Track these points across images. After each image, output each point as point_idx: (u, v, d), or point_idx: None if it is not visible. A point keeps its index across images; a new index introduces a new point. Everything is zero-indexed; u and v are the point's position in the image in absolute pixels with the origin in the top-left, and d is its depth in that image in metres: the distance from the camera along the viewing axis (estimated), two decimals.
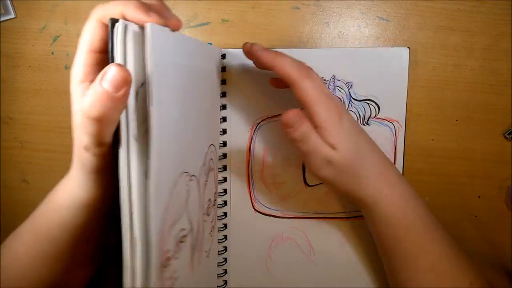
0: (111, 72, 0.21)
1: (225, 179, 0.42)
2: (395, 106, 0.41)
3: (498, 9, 0.41)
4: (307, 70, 0.32)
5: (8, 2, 0.45)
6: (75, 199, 0.28)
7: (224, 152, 0.41)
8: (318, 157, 0.31)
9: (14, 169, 0.48)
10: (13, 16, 0.45)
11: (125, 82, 0.21)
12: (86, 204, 0.28)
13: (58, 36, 0.45)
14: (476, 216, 0.43)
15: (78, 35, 0.46)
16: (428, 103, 0.42)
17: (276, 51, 0.33)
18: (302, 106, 0.32)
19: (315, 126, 0.31)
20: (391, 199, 0.33)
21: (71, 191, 0.28)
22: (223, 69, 0.41)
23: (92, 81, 0.23)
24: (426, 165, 0.43)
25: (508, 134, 0.42)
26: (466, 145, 0.43)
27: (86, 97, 0.22)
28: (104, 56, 0.25)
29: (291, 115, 0.30)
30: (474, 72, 0.42)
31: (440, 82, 0.42)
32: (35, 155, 0.47)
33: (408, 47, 0.41)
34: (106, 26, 0.25)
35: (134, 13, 0.24)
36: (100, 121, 0.22)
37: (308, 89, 0.31)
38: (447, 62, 0.42)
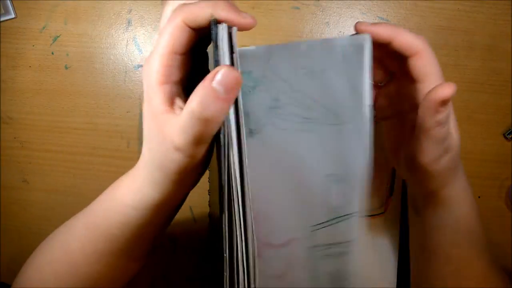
0: (224, 73, 0.21)
1: None
2: None
3: (498, 9, 0.41)
4: (425, 39, 0.28)
5: (8, 2, 0.45)
6: (143, 199, 0.27)
7: None
8: (444, 144, 0.27)
9: (14, 169, 0.48)
10: (13, 16, 0.45)
11: (237, 84, 0.22)
12: (156, 205, 0.27)
13: (58, 36, 0.45)
14: None
15: (78, 35, 0.46)
16: None
17: (386, 23, 0.29)
18: (418, 78, 0.28)
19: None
20: (467, 202, 0.31)
21: (140, 191, 0.27)
22: None
23: (173, 82, 0.23)
24: None
25: (508, 134, 0.42)
26: (466, 145, 0.43)
27: (195, 98, 0.21)
28: (183, 57, 0.25)
29: (452, 89, 0.25)
30: (474, 72, 0.42)
31: None
32: (35, 155, 0.47)
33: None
34: (190, 28, 0.24)
35: (228, 13, 0.23)
36: (209, 121, 0.22)
37: (434, 59, 0.28)
38: (447, 62, 0.42)
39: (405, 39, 0.28)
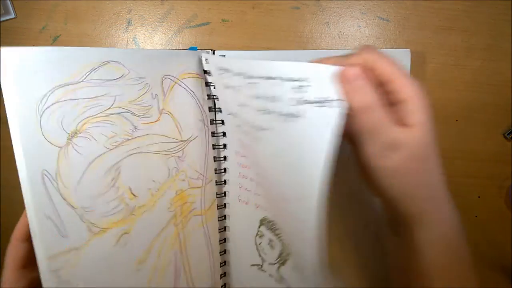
0: None
1: (224, 194, 0.41)
2: None
3: (498, 9, 0.41)
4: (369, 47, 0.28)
5: (8, 2, 0.45)
6: None
7: (225, 166, 0.40)
8: (382, 138, 0.26)
9: (14, 169, 0.48)
10: (13, 16, 0.45)
11: None
12: None
13: (58, 36, 0.45)
14: (476, 216, 0.43)
15: (78, 35, 0.46)
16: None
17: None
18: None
19: (397, 102, 0.26)
20: (449, 219, 0.28)
21: None
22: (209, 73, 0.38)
23: None
24: None
25: (508, 134, 0.42)
26: (466, 145, 0.43)
27: None
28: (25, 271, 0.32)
29: (351, 73, 0.25)
30: (474, 72, 0.42)
31: (440, 82, 0.42)
32: None
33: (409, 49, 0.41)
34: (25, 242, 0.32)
35: None
36: None
37: (385, 61, 0.26)
38: (447, 62, 0.42)
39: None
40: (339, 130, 0.26)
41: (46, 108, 0.30)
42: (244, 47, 0.43)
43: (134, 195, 0.34)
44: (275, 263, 0.40)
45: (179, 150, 0.36)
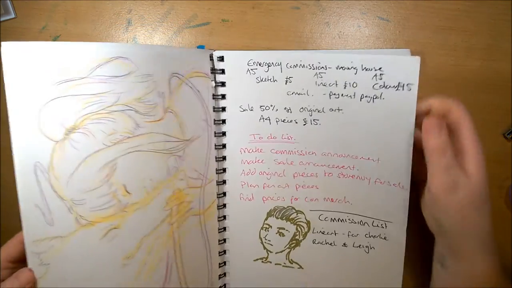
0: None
1: (224, 194, 0.41)
2: None
3: (498, 9, 0.41)
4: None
5: (8, 2, 0.45)
6: None
7: (225, 166, 0.40)
8: (452, 176, 0.30)
9: (14, 170, 0.48)
10: (13, 16, 0.45)
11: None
12: None
13: (58, 36, 0.45)
14: None
15: (78, 35, 0.46)
16: None
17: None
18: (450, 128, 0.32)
19: (460, 150, 0.31)
20: (492, 257, 0.32)
21: None
22: (223, 71, 0.39)
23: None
24: None
25: (508, 134, 0.42)
26: None
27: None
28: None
29: (433, 121, 0.31)
30: (474, 72, 0.42)
31: (440, 82, 0.42)
32: None
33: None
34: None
35: None
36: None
37: (463, 110, 0.32)
38: (447, 62, 0.42)
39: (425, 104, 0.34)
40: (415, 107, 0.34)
41: (46, 103, 0.30)
42: (244, 47, 0.43)
43: (128, 192, 0.34)
44: (284, 250, 0.40)
45: (180, 149, 0.36)
